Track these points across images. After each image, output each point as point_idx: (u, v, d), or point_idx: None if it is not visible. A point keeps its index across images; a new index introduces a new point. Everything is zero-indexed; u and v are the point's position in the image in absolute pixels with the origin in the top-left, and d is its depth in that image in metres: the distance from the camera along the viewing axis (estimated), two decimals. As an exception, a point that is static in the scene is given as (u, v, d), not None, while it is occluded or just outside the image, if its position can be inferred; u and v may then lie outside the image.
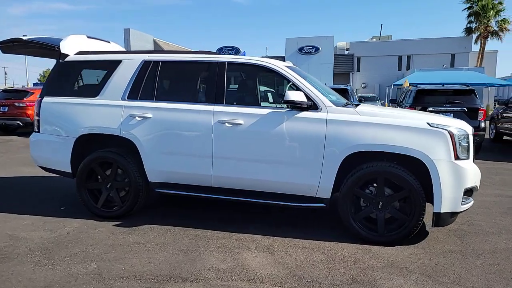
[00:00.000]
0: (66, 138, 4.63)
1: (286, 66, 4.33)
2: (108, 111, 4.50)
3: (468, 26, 31.84)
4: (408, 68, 31.94)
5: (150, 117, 4.35)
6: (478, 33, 31.39)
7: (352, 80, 33.36)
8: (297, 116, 4.00)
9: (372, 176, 3.84)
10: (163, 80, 4.53)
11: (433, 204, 3.75)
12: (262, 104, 4.79)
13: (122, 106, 4.47)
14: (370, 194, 3.94)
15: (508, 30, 30.92)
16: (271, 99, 4.88)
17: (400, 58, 33.11)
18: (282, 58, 31.78)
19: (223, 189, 4.35)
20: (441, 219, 3.77)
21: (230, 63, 4.34)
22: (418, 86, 10.38)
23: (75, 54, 4.89)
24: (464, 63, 31.19)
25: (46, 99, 4.77)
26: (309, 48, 32.30)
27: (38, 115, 4.78)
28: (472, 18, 31.58)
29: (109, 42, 5.63)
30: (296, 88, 4.10)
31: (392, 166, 3.79)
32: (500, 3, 30.99)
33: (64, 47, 4.80)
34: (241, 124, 4.10)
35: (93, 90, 4.67)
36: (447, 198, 3.70)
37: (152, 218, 4.66)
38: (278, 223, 4.52)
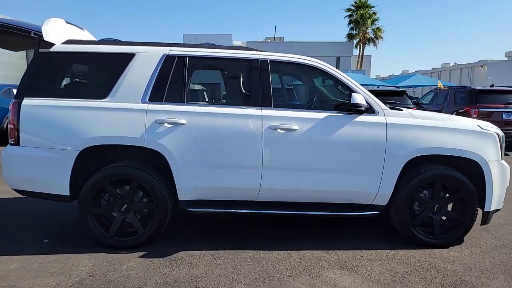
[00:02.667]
0: (64, 152, 3.59)
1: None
2: (126, 117, 3.62)
3: (350, 32, 35.33)
4: (300, 69, 33.81)
5: (184, 124, 3.63)
6: (358, 39, 35.01)
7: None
8: (356, 120, 3.76)
9: (431, 180, 3.82)
10: (192, 79, 3.83)
11: (482, 204, 3.89)
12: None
13: (144, 111, 3.64)
14: (425, 197, 3.92)
15: (382, 38, 35.14)
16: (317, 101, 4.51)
17: (293, 59, 34.88)
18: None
19: (269, 203, 3.88)
20: (488, 217, 3.95)
21: (273, 61, 3.87)
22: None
23: (63, 43, 3.83)
24: (347, 65, 34.46)
25: (27, 101, 3.63)
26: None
27: (16, 122, 3.61)
28: (353, 25, 35.05)
29: (83, 29, 4.58)
30: (351, 90, 3.85)
31: (450, 169, 3.82)
32: (374, 13, 35.01)
33: (48, 34, 3.72)
34: (295, 130, 3.69)
35: (98, 91, 3.71)
36: (496, 196, 3.89)
37: (177, 242, 3.92)
38: (322, 235, 4.23)
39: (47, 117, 3.61)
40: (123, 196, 3.72)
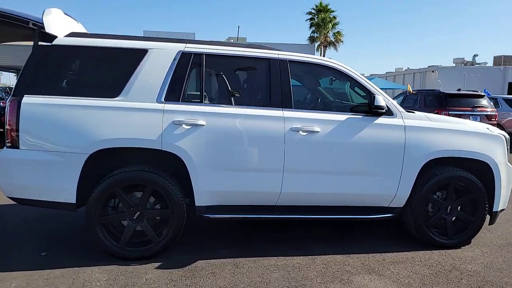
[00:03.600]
0: (71, 155, 3.27)
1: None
2: (140, 117, 3.36)
3: (311, 35, 35.80)
4: (263, 70, 33.84)
5: (203, 125, 3.42)
6: (319, 42, 35.61)
7: (212, 80, 33.59)
8: (376, 122, 3.74)
9: (446, 182, 3.87)
10: (209, 78, 3.63)
11: (491, 205, 4.00)
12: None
13: (160, 111, 3.39)
14: (438, 199, 3.97)
15: (342, 42, 35.99)
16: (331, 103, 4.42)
17: (255, 60, 34.85)
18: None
19: (287, 207, 3.76)
20: (496, 217, 4.07)
21: (291, 61, 3.76)
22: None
23: (66, 35, 3.49)
24: (309, 68, 34.84)
25: (28, 99, 3.27)
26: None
27: (15, 122, 3.23)
28: (314, 29, 35.59)
29: (77, 22, 4.22)
30: (370, 92, 3.81)
31: (463, 171, 3.89)
32: (334, 17, 35.77)
33: (50, 25, 3.38)
34: (317, 132, 3.60)
35: (109, 89, 3.42)
36: (503, 197, 4.02)
37: (190, 250, 3.70)
38: (334, 238, 4.17)
39: (51, 117, 3.26)
40: (135, 202, 3.45)
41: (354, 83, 3.90)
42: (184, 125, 3.39)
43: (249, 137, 3.50)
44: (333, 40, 35.59)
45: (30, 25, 3.42)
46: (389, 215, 3.90)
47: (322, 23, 34.67)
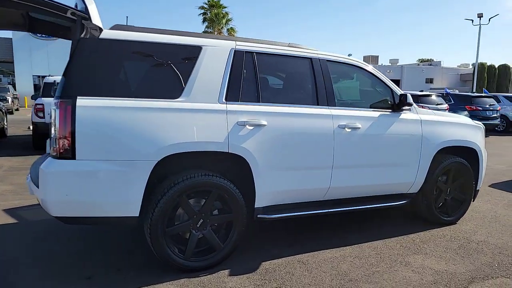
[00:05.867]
0: (138, 163, 2.91)
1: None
2: (206, 119, 3.16)
3: (205, 30, 35.72)
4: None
5: (265, 125, 3.37)
6: (214, 38, 35.76)
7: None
8: (401, 117, 4.13)
9: (448, 168, 4.48)
10: (262, 76, 3.57)
11: (476, 185, 4.77)
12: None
13: (224, 111, 3.24)
14: (441, 182, 4.56)
15: (236, 37, 36.63)
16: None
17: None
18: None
19: (330, 201, 3.94)
20: (477, 195, 4.86)
21: (330, 61, 3.91)
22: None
23: (111, 28, 3.09)
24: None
25: (83, 101, 2.80)
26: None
27: (70, 129, 2.75)
28: (207, 24, 35.64)
29: None
30: (392, 91, 4.18)
31: (459, 158, 4.54)
32: (227, 13, 36.36)
33: (94, 16, 2.95)
34: (359, 128, 3.84)
35: (168, 89, 3.13)
36: (482, 178, 4.82)
37: (245, 253, 3.61)
38: (355, 227, 4.47)
39: (114, 122, 2.86)
40: (198, 210, 3.24)
41: (379, 82, 4.23)
42: (247, 126, 3.30)
43: (306, 135, 3.57)
44: (227, 36, 36.11)
45: (69, 15, 2.93)
46: (406, 200, 4.35)
47: (215, 19, 34.95)
